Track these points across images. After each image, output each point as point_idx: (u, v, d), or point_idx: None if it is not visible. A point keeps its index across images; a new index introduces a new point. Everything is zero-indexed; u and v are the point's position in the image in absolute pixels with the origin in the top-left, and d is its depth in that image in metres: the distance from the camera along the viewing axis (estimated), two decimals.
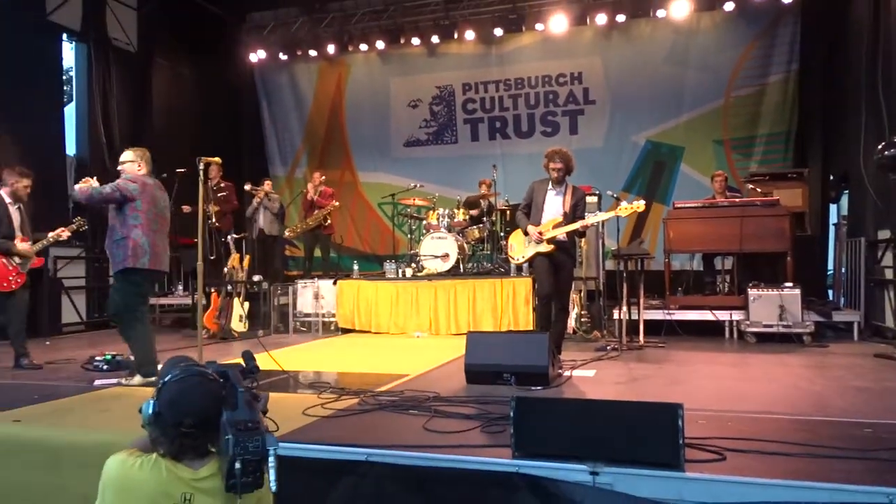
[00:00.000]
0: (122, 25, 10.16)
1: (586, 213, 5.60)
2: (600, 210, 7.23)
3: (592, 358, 5.69)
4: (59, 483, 3.27)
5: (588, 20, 10.63)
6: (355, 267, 8.96)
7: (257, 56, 12.18)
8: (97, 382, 4.95)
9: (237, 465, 1.80)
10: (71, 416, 3.90)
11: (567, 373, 4.96)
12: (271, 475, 1.85)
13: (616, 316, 6.68)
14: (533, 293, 7.04)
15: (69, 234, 5.87)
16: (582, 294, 7.35)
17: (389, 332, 7.88)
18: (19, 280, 5.64)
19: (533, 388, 4.35)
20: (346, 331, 8.11)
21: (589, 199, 6.79)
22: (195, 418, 1.88)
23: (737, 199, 7.54)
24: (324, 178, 10.13)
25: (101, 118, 9.67)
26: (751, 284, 6.76)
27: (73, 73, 10.09)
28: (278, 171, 12.66)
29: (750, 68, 10.12)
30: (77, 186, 4.79)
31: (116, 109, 9.88)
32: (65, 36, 9.41)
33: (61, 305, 8.79)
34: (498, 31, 11.02)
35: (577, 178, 5.86)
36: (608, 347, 6.18)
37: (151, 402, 1.92)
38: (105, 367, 5.52)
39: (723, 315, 6.92)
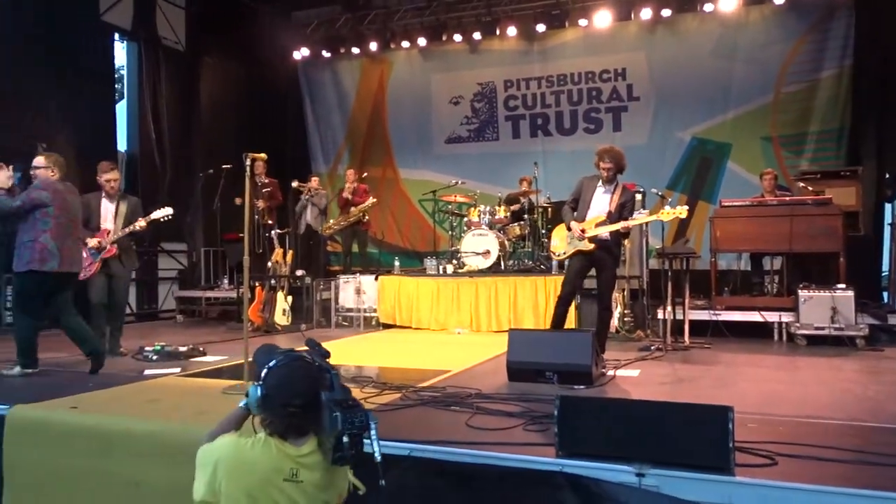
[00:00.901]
0: (172, 24, 10.41)
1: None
2: (644, 208, 7.12)
3: (636, 358, 5.62)
4: (111, 469, 3.38)
5: (632, 15, 10.48)
6: (396, 263, 9.01)
7: (301, 54, 12.36)
8: (147, 372, 5.10)
9: (345, 439, 1.96)
10: (122, 404, 4.01)
11: (610, 372, 4.90)
12: (376, 446, 2.02)
13: (660, 316, 6.58)
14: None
15: (144, 224, 6.03)
16: (625, 293, 7.25)
17: (430, 328, 7.90)
18: (91, 268, 5.83)
19: (576, 386, 4.32)
20: (387, 326, 8.16)
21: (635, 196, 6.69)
22: (301, 399, 2.04)
23: (787, 198, 7.34)
24: (365, 174, 10.22)
25: (150, 115, 9.93)
26: (801, 285, 6.58)
27: (124, 72, 10.37)
28: (321, 167, 12.80)
29: (800, 63, 9.82)
30: None
31: (165, 106, 10.13)
32: (117, 35, 9.68)
33: None
34: (540, 27, 10.95)
35: (621, 175, 5.77)
36: (652, 347, 6.09)
37: (258, 386, 2.08)
38: (154, 357, 5.68)
39: (771, 316, 6.75)
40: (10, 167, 5.07)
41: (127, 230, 5.95)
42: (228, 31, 11.20)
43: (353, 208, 9.45)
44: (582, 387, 4.33)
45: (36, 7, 8.00)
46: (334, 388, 2.10)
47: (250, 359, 4.37)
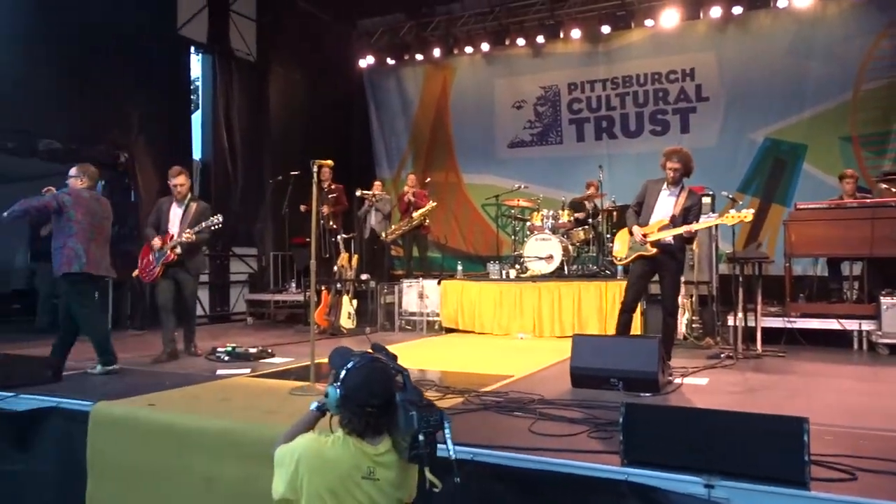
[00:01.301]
0: (243, 36, 10.79)
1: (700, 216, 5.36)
2: (714, 211, 6.91)
3: (705, 366, 5.45)
4: (186, 465, 3.51)
5: (701, 14, 10.24)
6: (459, 267, 9.04)
7: (366, 61, 12.63)
8: (219, 372, 5.28)
9: (421, 438, 2.03)
10: (196, 403, 4.16)
11: (678, 380, 4.78)
12: (450, 444, 2.09)
13: (731, 322, 6.37)
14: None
15: (191, 236, 6.01)
16: (693, 299, 7.06)
17: (493, 333, 7.89)
18: (154, 272, 6.05)
19: (642, 394, 4.23)
20: (449, 330, 8.20)
21: (702, 199, 6.50)
22: (379, 399, 2.11)
23: (867, 200, 6.99)
24: (429, 179, 10.31)
25: (223, 124, 10.30)
26: (884, 292, 6.25)
27: (199, 83, 10.81)
28: (385, 173, 12.98)
29: (881, 58, 9.35)
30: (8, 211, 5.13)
31: (237, 116, 10.50)
32: (192, 48, 10.10)
33: None
34: (605, 29, 10.82)
35: (689, 178, 5.62)
36: (722, 355, 5.90)
37: (335, 387, 2.15)
38: (226, 358, 5.88)
39: (850, 324, 6.43)
40: None
41: (183, 238, 5.96)
42: (296, 41, 11.55)
43: (414, 213, 9.54)
44: (648, 394, 4.23)
45: (119, 23, 8.44)
46: (407, 389, 2.16)
47: (317, 361, 4.48)
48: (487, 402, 4.03)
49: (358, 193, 9.72)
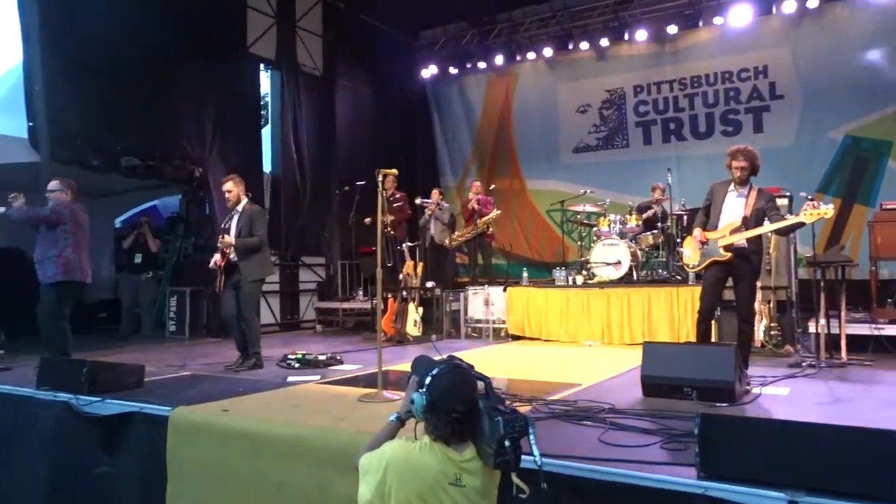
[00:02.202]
0: (310, 52, 11.07)
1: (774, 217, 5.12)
2: (791, 213, 6.61)
3: (785, 375, 5.21)
4: (259, 469, 3.59)
5: (774, 9, 9.89)
6: (524, 274, 8.97)
7: (429, 71, 12.74)
8: (289, 379, 5.40)
9: (507, 443, 2.01)
10: (268, 408, 4.26)
11: (756, 390, 4.58)
12: (535, 450, 2.09)
13: (812, 329, 6.07)
14: None
15: (219, 259, 6.01)
16: (771, 305, 6.76)
17: (559, 340, 7.78)
18: (218, 284, 6.08)
19: (717, 404, 4.07)
20: (516, 337, 8.14)
21: (779, 201, 6.22)
22: (464, 405, 2.13)
23: None
24: (493, 186, 10.29)
25: (292, 137, 10.58)
26: None
27: (268, 98, 11.16)
28: (449, 181, 13.05)
29: None
30: (14, 204, 5.43)
31: (305, 129, 10.76)
32: (262, 65, 10.44)
33: (259, 308, 9.66)
34: (672, 29, 10.57)
35: (763, 179, 5.41)
36: (803, 364, 5.62)
37: (421, 394, 2.17)
38: (296, 365, 6.00)
39: None
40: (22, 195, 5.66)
41: (225, 240, 5.94)
42: (361, 55, 11.77)
43: (478, 220, 9.53)
44: (724, 404, 4.07)
45: (195, 45, 8.80)
46: (490, 396, 2.17)
47: (385, 368, 4.52)
48: (555, 410, 3.96)
49: (418, 202, 9.78)
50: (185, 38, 8.70)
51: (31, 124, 7.04)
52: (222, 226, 6.21)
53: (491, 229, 9.68)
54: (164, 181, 8.62)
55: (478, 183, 10.09)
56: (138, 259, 8.48)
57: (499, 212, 9.61)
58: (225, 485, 3.72)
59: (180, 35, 8.61)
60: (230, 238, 5.92)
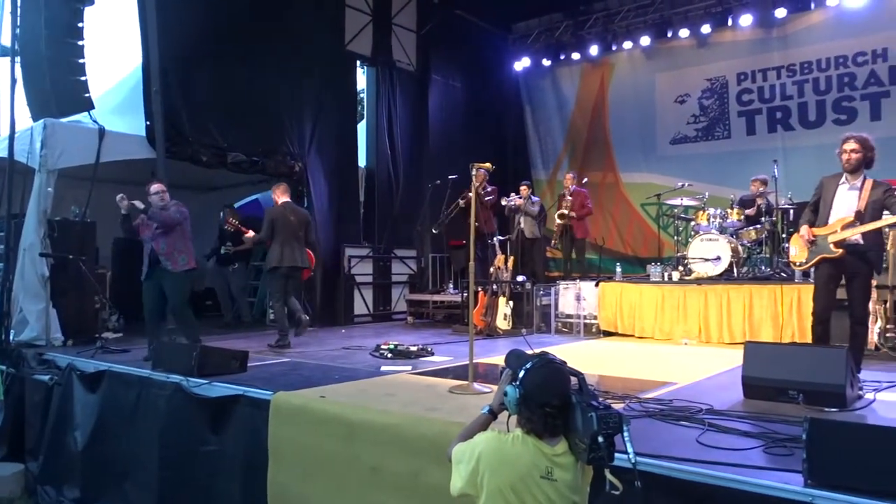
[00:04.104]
0: (405, 48, 11.25)
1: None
2: None
3: None
4: (354, 454, 3.71)
5: None
6: (618, 269, 8.78)
7: (522, 64, 12.67)
8: (383, 368, 5.54)
9: (600, 440, 2.01)
10: (363, 396, 4.38)
11: (869, 395, 4.29)
12: (629, 447, 2.05)
13: None
14: None
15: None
16: (887, 305, 6.31)
17: (654, 338, 7.57)
18: None
19: (826, 409, 3.85)
20: (607, 333, 7.98)
21: None
22: (558, 399, 2.13)
23: None
24: (586, 180, 10.12)
25: (386, 133, 10.81)
26: None
27: (363, 94, 11.43)
28: (540, 174, 12.94)
29: None
30: (123, 203, 5.86)
31: (399, 124, 10.97)
32: (358, 62, 10.70)
33: (353, 299, 9.98)
34: (780, 13, 10.04)
35: (883, 171, 5.03)
36: None
37: (515, 387, 2.18)
38: (389, 355, 6.15)
39: None
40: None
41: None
42: (454, 49, 11.84)
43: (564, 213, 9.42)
44: (834, 409, 3.84)
45: (298, 44, 9.16)
46: (584, 391, 2.15)
47: (475, 361, 4.56)
48: (650, 409, 3.87)
49: (503, 202, 9.71)
50: (289, 39, 9.05)
51: (148, 123, 7.53)
52: None
53: (575, 217, 9.50)
54: (267, 175, 9.01)
55: (570, 175, 9.94)
56: (224, 251, 8.89)
57: (582, 213, 9.51)
58: (322, 466, 3.86)
59: (284, 36, 8.98)
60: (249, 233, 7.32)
